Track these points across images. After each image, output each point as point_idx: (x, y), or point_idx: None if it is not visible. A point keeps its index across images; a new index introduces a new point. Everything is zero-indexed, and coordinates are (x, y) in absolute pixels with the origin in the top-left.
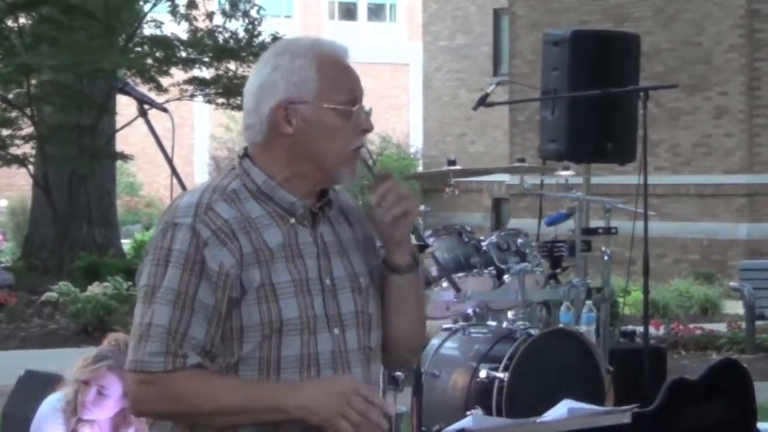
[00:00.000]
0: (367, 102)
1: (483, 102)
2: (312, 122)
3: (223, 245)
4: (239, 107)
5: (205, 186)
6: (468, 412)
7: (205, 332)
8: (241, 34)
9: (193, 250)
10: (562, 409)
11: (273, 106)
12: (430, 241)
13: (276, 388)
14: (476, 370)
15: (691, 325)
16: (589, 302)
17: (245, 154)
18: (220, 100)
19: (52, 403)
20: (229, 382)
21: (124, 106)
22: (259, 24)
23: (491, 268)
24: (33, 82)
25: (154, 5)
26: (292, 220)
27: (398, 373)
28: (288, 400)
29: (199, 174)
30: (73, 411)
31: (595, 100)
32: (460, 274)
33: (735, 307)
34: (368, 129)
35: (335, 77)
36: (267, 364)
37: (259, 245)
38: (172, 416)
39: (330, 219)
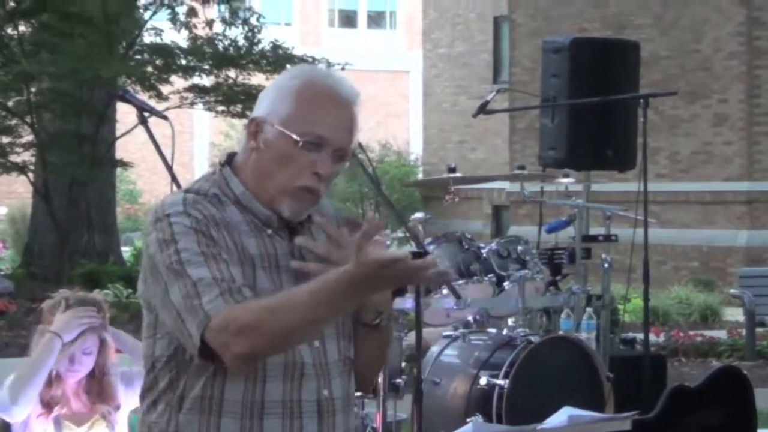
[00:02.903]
0: (367, 110)
1: (483, 109)
2: (269, 143)
3: (217, 229)
4: (239, 115)
5: (184, 188)
6: (468, 420)
7: (242, 274)
8: (241, 41)
9: (195, 224)
10: (562, 416)
11: (251, 118)
12: (431, 248)
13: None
14: (476, 377)
15: (692, 332)
16: (589, 309)
17: (226, 162)
18: (220, 108)
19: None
20: (287, 290)
21: (124, 114)
22: (259, 32)
23: (491, 275)
24: (33, 89)
25: (154, 13)
26: (269, 231)
27: (398, 380)
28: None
29: None
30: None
31: (594, 107)
32: (460, 281)
33: (735, 314)
34: (320, 174)
35: (309, 111)
36: (254, 371)
37: (241, 247)
38: (261, 346)
39: (311, 231)
